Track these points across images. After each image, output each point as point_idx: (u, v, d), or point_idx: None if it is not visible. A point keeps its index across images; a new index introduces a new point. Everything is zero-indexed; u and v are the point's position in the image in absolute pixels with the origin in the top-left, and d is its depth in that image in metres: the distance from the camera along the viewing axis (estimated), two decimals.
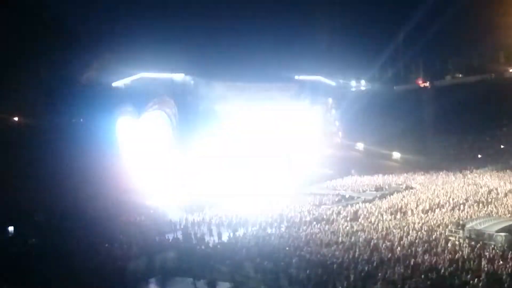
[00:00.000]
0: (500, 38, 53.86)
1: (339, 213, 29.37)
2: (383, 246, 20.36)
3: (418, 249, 19.60)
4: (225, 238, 25.58)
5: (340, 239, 22.44)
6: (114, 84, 34.81)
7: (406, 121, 53.03)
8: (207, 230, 27.57)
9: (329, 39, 54.72)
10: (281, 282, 17.41)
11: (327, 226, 25.94)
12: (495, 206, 27.86)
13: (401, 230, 23.04)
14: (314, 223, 27.20)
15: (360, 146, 56.74)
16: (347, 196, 36.26)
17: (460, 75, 65.35)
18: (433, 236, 21.59)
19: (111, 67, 37.13)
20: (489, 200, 29.91)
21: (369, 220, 26.72)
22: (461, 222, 22.41)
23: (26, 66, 34.64)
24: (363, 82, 68.65)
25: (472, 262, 17.43)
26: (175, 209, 34.46)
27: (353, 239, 22.12)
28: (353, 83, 68.52)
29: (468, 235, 20.58)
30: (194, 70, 40.25)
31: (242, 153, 45.52)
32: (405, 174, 43.59)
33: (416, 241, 20.92)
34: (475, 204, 28.66)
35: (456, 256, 18.27)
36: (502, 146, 49.56)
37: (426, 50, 59.21)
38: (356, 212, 29.14)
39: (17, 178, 29.31)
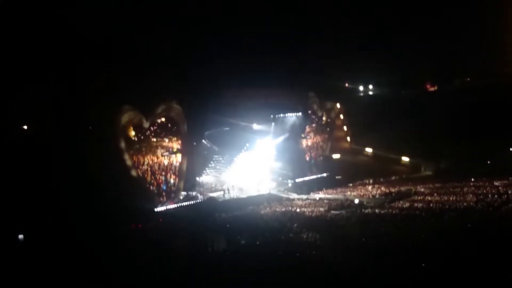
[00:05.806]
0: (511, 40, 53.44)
1: (348, 218, 29.20)
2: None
3: None
4: (234, 245, 25.49)
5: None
6: (122, 90, 35.00)
7: (414, 125, 52.79)
8: (214, 236, 27.54)
9: (336, 43, 54.60)
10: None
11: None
12: None
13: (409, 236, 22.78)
14: (324, 228, 27.02)
15: (368, 151, 56.48)
16: (356, 201, 35.95)
17: (469, 79, 65.03)
18: None
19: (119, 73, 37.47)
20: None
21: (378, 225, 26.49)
22: None
23: (34, 74, 35.01)
24: (371, 86, 68.55)
25: None
26: (184, 215, 34.63)
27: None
28: (361, 87, 68.44)
29: None
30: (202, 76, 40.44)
31: (250, 157, 45.55)
32: (413, 179, 43.24)
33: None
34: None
35: None
36: (511, 149, 48.99)
37: (435, 54, 58.83)
38: (366, 217, 28.90)
39: (24, 185, 29.61)
